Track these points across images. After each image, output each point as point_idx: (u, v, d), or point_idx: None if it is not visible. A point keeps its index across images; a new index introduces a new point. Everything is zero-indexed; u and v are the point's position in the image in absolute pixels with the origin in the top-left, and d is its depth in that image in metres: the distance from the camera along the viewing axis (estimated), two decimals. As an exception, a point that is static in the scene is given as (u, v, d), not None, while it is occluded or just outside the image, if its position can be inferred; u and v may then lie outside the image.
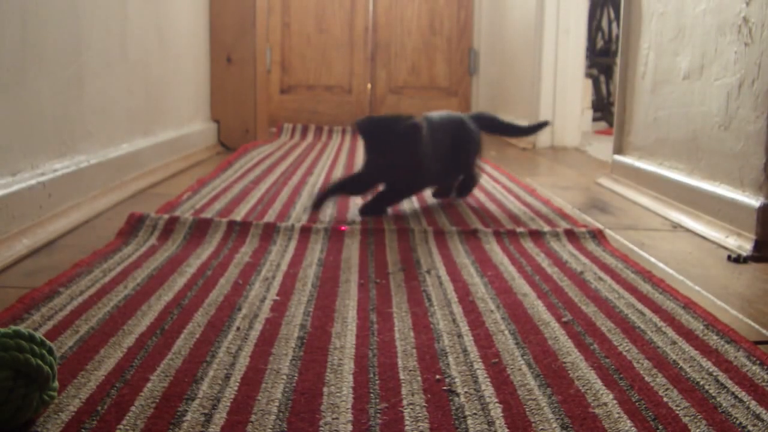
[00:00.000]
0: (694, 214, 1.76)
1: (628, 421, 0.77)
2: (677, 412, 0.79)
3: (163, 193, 2.06)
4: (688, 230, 1.73)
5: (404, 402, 0.80)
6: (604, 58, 4.70)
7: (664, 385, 0.86)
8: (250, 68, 3.20)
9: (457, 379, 0.86)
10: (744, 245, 1.51)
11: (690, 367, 0.91)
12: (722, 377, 0.88)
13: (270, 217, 1.72)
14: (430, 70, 4.47)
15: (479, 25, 4.43)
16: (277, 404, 0.79)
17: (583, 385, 0.85)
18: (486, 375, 0.87)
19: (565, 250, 1.48)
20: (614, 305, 1.14)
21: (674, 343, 0.99)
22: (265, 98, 3.54)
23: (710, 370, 0.90)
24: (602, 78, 4.76)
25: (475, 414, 0.78)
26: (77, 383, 0.82)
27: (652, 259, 1.46)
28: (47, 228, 1.50)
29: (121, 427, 0.73)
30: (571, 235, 1.58)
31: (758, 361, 0.92)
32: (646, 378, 0.88)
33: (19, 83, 1.46)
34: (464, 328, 1.03)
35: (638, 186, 2.15)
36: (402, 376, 0.87)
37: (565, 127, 3.51)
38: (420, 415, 0.77)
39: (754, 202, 1.52)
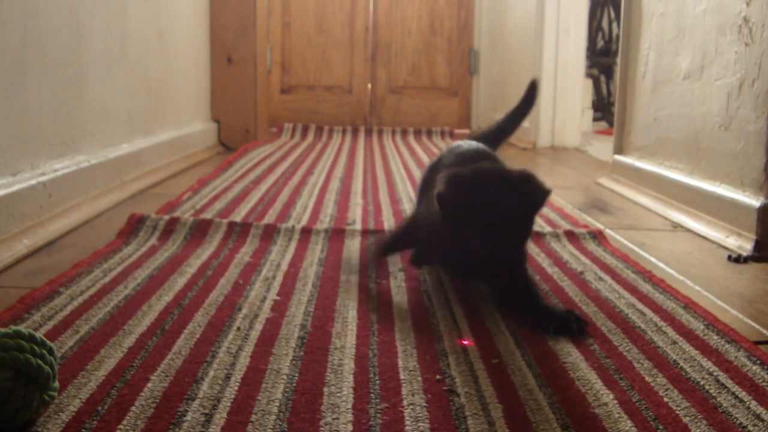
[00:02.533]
0: (695, 214, 1.76)
1: (629, 421, 0.77)
2: (677, 412, 0.79)
3: (163, 193, 2.06)
4: (688, 230, 1.73)
5: (405, 402, 0.80)
6: (604, 58, 4.69)
7: (664, 385, 0.86)
8: (250, 68, 3.20)
9: (457, 380, 0.86)
10: (744, 245, 1.51)
11: (690, 367, 0.91)
12: (722, 377, 0.88)
13: (270, 217, 1.72)
14: (430, 70, 4.47)
15: (479, 25, 4.43)
16: (277, 404, 0.79)
17: (584, 386, 0.85)
18: (486, 375, 0.87)
19: (566, 250, 1.48)
20: (615, 305, 1.14)
21: (674, 343, 0.99)
22: (266, 98, 3.54)
23: (711, 370, 0.90)
24: (602, 78, 4.76)
25: (475, 414, 0.78)
26: (77, 383, 0.82)
27: (653, 259, 1.46)
28: (47, 228, 1.50)
29: (122, 427, 0.73)
30: (571, 235, 1.58)
31: (758, 361, 0.92)
32: (647, 378, 0.87)
33: (20, 83, 1.46)
34: (464, 328, 1.03)
35: (639, 186, 2.15)
36: (402, 376, 0.87)
37: (565, 127, 3.51)
38: (420, 415, 0.77)
39: (755, 202, 1.52)
